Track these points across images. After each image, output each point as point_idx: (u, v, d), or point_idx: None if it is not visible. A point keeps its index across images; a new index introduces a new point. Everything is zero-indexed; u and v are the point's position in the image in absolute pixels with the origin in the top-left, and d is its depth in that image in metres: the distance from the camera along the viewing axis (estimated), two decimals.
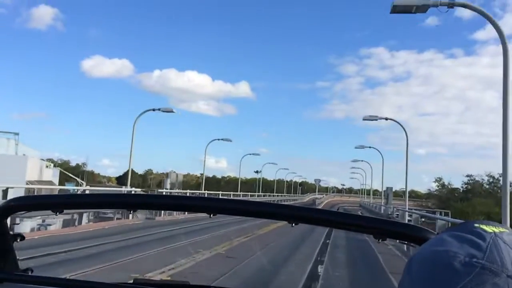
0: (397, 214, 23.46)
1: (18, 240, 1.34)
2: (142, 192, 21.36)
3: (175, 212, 24.76)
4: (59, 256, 9.74)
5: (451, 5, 10.81)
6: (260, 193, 57.66)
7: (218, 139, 32.42)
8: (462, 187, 54.88)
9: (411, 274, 0.55)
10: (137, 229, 16.79)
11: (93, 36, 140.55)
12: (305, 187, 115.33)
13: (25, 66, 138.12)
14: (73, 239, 12.74)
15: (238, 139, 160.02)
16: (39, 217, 14.92)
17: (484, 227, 0.55)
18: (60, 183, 36.29)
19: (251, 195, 46.34)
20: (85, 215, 17.79)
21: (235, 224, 19.76)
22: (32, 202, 1.51)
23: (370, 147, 35.01)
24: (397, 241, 1.39)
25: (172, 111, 22.16)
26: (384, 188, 34.52)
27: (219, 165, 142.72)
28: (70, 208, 1.79)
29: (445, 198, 52.96)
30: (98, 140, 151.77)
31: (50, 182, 32.73)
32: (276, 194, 71.08)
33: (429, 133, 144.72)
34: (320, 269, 10.88)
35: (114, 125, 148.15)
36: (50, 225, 16.39)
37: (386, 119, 21.17)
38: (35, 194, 18.23)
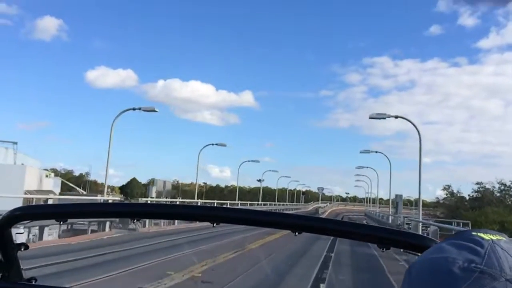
0: (409, 225, 21.04)
1: (22, 249, 1.34)
2: (120, 201, 19.41)
3: (162, 223, 22.69)
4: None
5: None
6: (260, 202, 55.34)
7: (213, 144, 30.86)
8: (469, 195, 52.36)
9: (410, 282, 0.55)
10: (108, 244, 14.63)
11: (97, 47, 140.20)
12: (308, 196, 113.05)
13: (30, 77, 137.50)
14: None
15: (242, 148, 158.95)
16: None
17: (481, 235, 0.56)
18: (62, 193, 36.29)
19: (250, 204, 44.10)
20: (55, 228, 15.67)
21: (225, 237, 17.83)
22: (36, 211, 1.52)
23: (376, 151, 32.53)
24: (401, 250, 1.09)
25: (154, 110, 20.35)
26: (392, 197, 31.92)
27: (223, 174, 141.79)
28: (74, 217, 1.59)
29: (454, 206, 50.37)
30: (102, 150, 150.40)
31: (51, 192, 31.65)
32: (278, 203, 68.87)
33: (434, 141, 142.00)
34: None
35: (118, 135, 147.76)
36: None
37: (396, 117, 19.03)
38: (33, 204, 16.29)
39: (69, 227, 17.81)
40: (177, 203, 25.15)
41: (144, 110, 19.64)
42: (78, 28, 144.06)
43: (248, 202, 47.21)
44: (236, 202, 39.98)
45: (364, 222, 24.88)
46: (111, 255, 12.46)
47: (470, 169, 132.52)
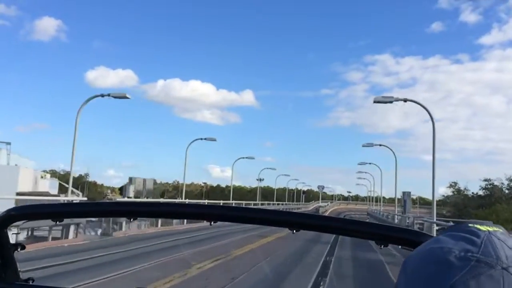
0: (420, 227, 18.48)
1: (19, 250, 1.34)
2: (85, 201, 17.20)
3: (143, 226, 20.43)
4: None
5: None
6: (258, 202, 52.95)
7: (202, 139, 28.61)
8: (474, 193, 49.90)
9: (406, 272, 0.55)
10: (68, 252, 12.34)
11: (96, 47, 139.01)
12: (310, 195, 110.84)
13: (29, 78, 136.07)
14: None
15: (243, 148, 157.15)
16: None
17: (478, 226, 0.56)
18: (60, 194, 34.72)
19: (246, 204, 41.82)
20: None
21: (208, 242, 15.68)
22: (32, 211, 1.45)
23: (380, 145, 29.98)
24: (400, 246, 1.10)
25: (125, 97, 18.15)
26: (399, 195, 29.24)
27: (225, 174, 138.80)
28: (71, 217, 1.42)
29: (461, 204, 48.01)
30: (103, 151, 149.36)
31: (46, 193, 30.58)
32: (277, 202, 66.55)
33: (436, 139, 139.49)
34: None
35: (118, 136, 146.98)
36: None
37: (405, 100, 16.72)
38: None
39: (29, 233, 15.60)
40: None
41: (114, 97, 17.43)
42: (77, 29, 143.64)
43: (244, 202, 44.89)
44: (231, 202, 37.75)
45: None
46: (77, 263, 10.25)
47: (473, 166, 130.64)
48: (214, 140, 29.12)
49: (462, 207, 46.73)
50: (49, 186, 35.89)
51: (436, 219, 17.72)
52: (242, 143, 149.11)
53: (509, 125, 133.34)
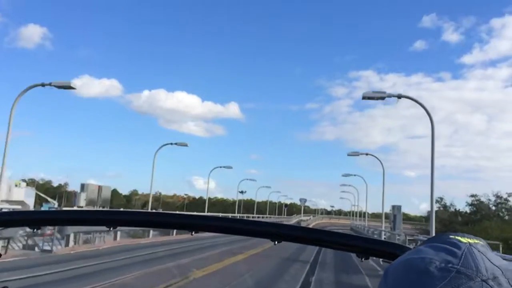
0: (414, 245, 16.52)
1: None
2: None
3: (97, 240, 18.06)
4: None
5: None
6: (236, 214, 50.66)
7: (172, 144, 26.38)
8: (457, 209, 48.49)
9: (387, 282, 0.55)
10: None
11: (81, 55, 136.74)
12: (293, 209, 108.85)
13: (12, 86, 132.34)
14: None
15: (228, 160, 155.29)
16: None
17: (459, 238, 0.57)
18: (37, 204, 34.47)
19: (224, 216, 39.49)
20: None
21: (174, 257, 13.76)
22: (9, 218, 1.40)
23: (367, 154, 28.06)
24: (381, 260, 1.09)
25: (69, 87, 15.99)
26: (386, 209, 27.16)
27: (209, 185, 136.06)
28: (48, 224, 1.40)
29: (447, 220, 46.40)
30: (85, 161, 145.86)
31: (22, 203, 29.97)
32: (258, 215, 64.27)
33: (419, 155, 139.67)
34: None
35: (101, 146, 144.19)
36: None
37: (399, 96, 14.94)
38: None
39: None
40: None
41: (56, 86, 15.20)
42: (62, 36, 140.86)
43: (223, 214, 42.64)
44: (206, 214, 35.54)
45: None
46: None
47: (454, 183, 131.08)
48: (186, 145, 26.97)
49: (447, 223, 45.15)
50: (24, 195, 34.56)
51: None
52: (227, 155, 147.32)
53: (489, 143, 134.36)
